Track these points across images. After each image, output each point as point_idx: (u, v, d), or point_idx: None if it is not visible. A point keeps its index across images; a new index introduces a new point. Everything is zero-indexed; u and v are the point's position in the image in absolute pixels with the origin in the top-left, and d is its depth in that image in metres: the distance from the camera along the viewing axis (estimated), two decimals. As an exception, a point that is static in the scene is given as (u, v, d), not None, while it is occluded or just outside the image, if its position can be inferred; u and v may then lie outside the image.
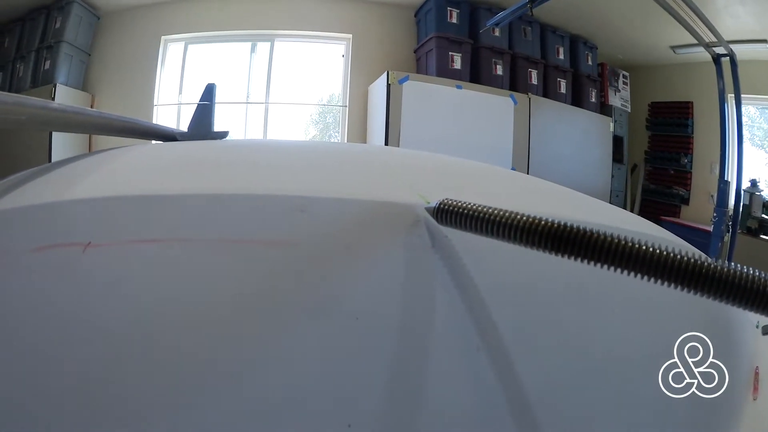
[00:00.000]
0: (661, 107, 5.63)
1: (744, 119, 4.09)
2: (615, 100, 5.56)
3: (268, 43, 5.44)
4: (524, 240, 0.36)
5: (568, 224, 0.35)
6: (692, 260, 0.31)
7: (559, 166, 4.91)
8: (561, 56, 5.31)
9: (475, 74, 4.85)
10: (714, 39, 3.08)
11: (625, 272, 0.33)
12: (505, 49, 4.94)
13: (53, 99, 4.47)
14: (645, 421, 0.44)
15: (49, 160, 4.37)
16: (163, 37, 5.35)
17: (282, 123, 5.56)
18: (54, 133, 4.66)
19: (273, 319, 0.36)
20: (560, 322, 0.44)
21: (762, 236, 4.35)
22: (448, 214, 0.41)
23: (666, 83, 5.50)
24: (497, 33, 4.84)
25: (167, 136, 1.09)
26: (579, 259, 0.34)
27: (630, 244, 0.33)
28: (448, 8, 4.82)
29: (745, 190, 4.21)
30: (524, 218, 0.36)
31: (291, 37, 5.45)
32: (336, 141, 5.44)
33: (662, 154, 5.66)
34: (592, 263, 0.34)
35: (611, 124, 5.46)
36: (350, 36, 5.36)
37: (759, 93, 4.50)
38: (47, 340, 0.36)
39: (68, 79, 4.99)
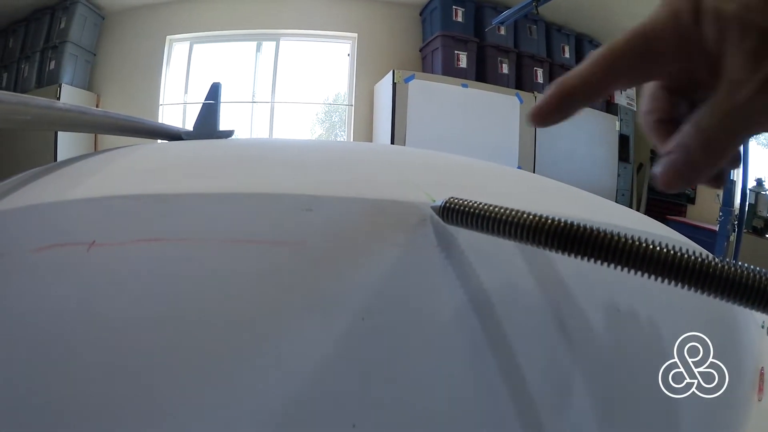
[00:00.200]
0: (668, 105, 5.62)
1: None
2: (621, 98, 5.55)
3: (274, 43, 5.45)
4: (531, 239, 0.36)
5: (576, 223, 0.35)
6: (700, 259, 0.31)
7: (565, 165, 4.91)
8: (567, 55, 5.32)
9: (481, 73, 4.86)
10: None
11: (633, 271, 0.33)
12: (511, 47, 4.95)
13: (58, 99, 4.49)
14: (646, 423, 0.44)
15: (55, 160, 4.40)
16: (168, 36, 5.37)
17: (288, 122, 5.58)
18: (59, 133, 4.68)
19: (278, 318, 0.36)
20: (566, 323, 0.43)
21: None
22: (454, 212, 0.41)
23: (672, 81, 5.48)
24: (503, 31, 4.85)
25: (172, 135, 1.09)
26: (587, 259, 0.34)
27: (638, 243, 0.33)
28: (454, 7, 4.83)
29: (750, 189, 4.20)
30: (531, 217, 0.36)
31: (296, 37, 5.47)
32: (342, 140, 5.45)
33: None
34: (600, 262, 0.34)
35: (617, 123, 5.45)
36: (356, 35, 5.37)
37: (765, 91, 4.48)
38: (51, 339, 0.36)
39: (73, 79, 5.01)
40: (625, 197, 5.56)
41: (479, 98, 4.62)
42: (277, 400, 0.33)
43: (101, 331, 0.36)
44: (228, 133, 1.12)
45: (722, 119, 0.35)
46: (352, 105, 5.38)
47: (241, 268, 0.39)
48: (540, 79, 5.06)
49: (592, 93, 0.40)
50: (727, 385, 0.45)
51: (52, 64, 4.97)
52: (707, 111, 0.36)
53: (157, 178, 0.52)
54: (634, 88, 5.66)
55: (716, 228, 3.49)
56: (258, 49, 5.51)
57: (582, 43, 5.43)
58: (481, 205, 0.39)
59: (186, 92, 5.42)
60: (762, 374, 0.60)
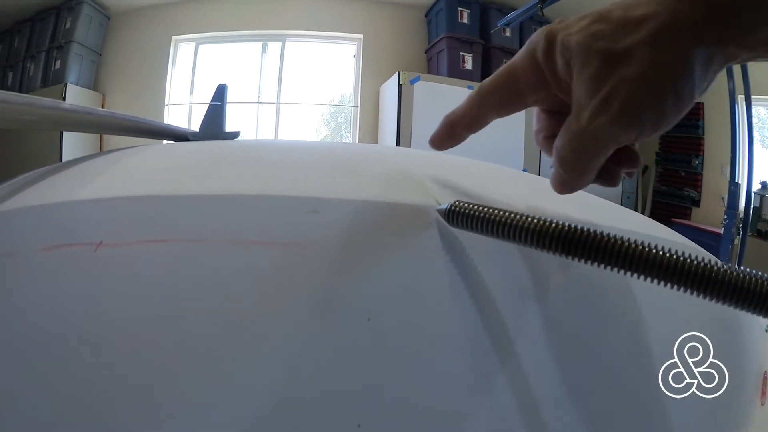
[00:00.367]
0: (672, 108, 5.61)
1: (755, 121, 4.06)
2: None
3: (279, 44, 5.45)
4: (535, 243, 0.36)
5: (580, 227, 0.35)
6: (703, 264, 0.31)
7: (570, 167, 4.89)
8: (571, 57, 5.30)
9: (487, 74, 4.76)
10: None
11: (636, 276, 0.33)
12: (516, 49, 4.85)
13: (64, 99, 4.50)
14: (647, 423, 0.44)
15: (60, 160, 4.41)
16: (173, 37, 5.38)
17: (293, 123, 5.58)
18: (65, 134, 4.69)
19: (284, 319, 0.37)
20: (571, 325, 0.44)
21: (772, 239, 4.33)
22: (460, 216, 0.41)
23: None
24: (508, 33, 4.85)
25: (179, 135, 1.09)
26: (591, 263, 0.34)
27: (641, 247, 0.33)
28: (459, 8, 4.83)
29: (755, 193, 4.18)
30: (535, 221, 0.36)
31: (302, 38, 5.47)
32: (347, 141, 5.45)
33: (673, 155, 5.63)
34: (604, 266, 0.34)
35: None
36: (361, 36, 5.38)
37: (770, 94, 4.48)
38: (58, 339, 0.36)
39: (79, 79, 5.02)
40: (630, 200, 5.56)
41: (485, 100, 4.61)
42: (282, 399, 0.34)
43: (108, 331, 0.36)
44: (234, 134, 1.12)
45: (570, 141, 0.39)
46: (357, 106, 5.39)
47: (247, 270, 0.39)
48: (545, 81, 5.04)
49: (472, 125, 0.48)
50: (728, 386, 0.45)
51: (58, 64, 4.98)
52: (561, 134, 0.40)
53: (164, 179, 0.52)
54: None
55: (721, 231, 3.48)
56: (263, 49, 5.52)
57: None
58: (486, 209, 0.39)
59: (191, 92, 5.42)
60: (765, 378, 0.60)
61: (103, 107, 4.98)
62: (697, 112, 5.21)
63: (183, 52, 5.48)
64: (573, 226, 0.35)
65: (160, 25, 5.31)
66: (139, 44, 5.30)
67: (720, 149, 4.92)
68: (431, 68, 5.14)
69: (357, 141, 5.28)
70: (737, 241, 3.35)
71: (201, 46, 5.50)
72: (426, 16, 5.34)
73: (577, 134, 0.38)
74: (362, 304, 0.38)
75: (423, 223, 0.44)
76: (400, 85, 4.46)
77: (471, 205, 0.40)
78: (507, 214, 0.38)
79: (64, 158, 4.43)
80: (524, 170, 4.29)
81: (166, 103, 5.34)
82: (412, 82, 4.48)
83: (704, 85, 0.36)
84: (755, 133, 4.01)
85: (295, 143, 0.81)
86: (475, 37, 4.86)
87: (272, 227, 0.43)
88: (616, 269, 0.34)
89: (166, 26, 5.33)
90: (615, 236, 0.34)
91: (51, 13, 5.11)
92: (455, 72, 4.73)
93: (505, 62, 0.46)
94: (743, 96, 3.48)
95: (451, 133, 0.50)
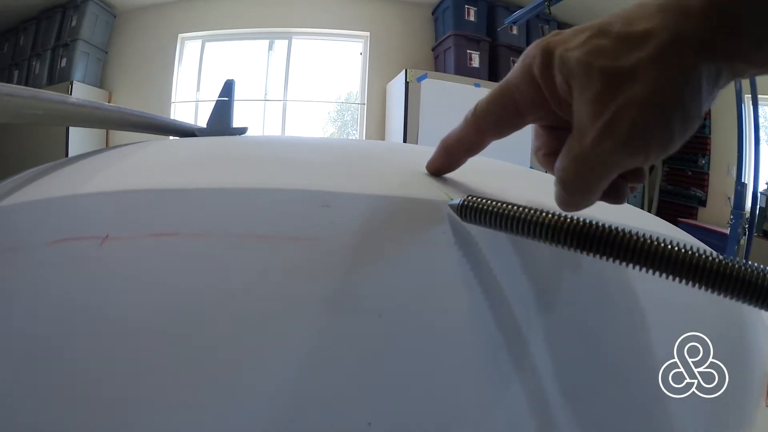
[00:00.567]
0: (679, 107, 5.61)
1: (761, 120, 4.06)
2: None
3: (286, 41, 5.47)
4: (549, 238, 0.36)
5: (595, 222, 0.35)
6: (716, 259, 0.31)
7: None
8: (578, 55, 5.31)
9: (494, 72, 4.87)
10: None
11: (649, 271, 0.33)
12: (523, 47, 4.92)
13: (71, 96, 4.51)
14: (647, 423, 0.44)
15: (66, 155, 4.43)
16: (180, 34, 5.40)
17: (300, 120, 5.60)
18: (71, 129, 4.71)
19: (295, 315, 0.36)
20: (578, 324, 0.43)
21: (778, 239, 4.33)
22: (472, 210, 0.40)
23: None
24: (515, 31, 4.86)
25: (186, 131, 1.09)
26: (605, 258, 0.34)
27: (655, 242, 0.32)
28: (466, 6, 4.84)
29: (762, 193, 4.18)
30: (550, 216, 0.36)
31: (309, 35, 5.48)
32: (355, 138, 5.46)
33: (679, 154, 5.63)
34: (618, 261, 0.34)
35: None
36: (368, 34, 5.39)
37: (776, 94, 4.47)
38: (64, 334, 0.35)
39: (85, 77, 5.04)
40: (636, 199, 5.55)
41: (491, 98, 4.63)
42: (293, 396, 0.33)
43: (114, 326, 0.36)
44: (242, 130, 1.12)
45: (572, 164, 0.37)
46: (364, 104, 5.40)
47: (257, 264, 0.39)
48: (552, 79, 5.05)
49: (470, 148, 0.48)
50: (730, 386, 0.45)
51: (64, 62, 5.00)
52: (562, 155, 0.38)
53: (172, 173, 0.52)
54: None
55: (727, 231, 3.48)
56: (270, 47, 5.53)
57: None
58: (499, 204, 0.39)
59: (198, 90, 5.43)
60: (770, 379, 0.59)
61: (109, 104, 4.99)
62: (704, 111, 5.20)
63: (189, 49, 5.50)
64: (588, 221, 0.35)
65: (167, 23, 5.34)
66: (145, 42, 5.32)
67: (726, 149, 4.93)
68: (438, 66, 5.15)
69: (364, 138, 5.29)
70: (743, 241, 3.35)
71: (207, 44, 5.52)
72: (433, 14, 5.35)
73: (580, 158, 0.36)
74: (373, 300, 0.37)
75: (435, 218, 0.44)
76: (407, 83, 4.47)
77: (485, 200, 0.40)
78: (521, 209, 0.38)
79: (70, 154, 4.44)
80: (531, 168, 4.29)
81: (173, 100, 5.36)
82: (419, 79, 4.49)
83: (710, 102, 0.35)
84: (762, 133, 4.01)
85: (304, 139, 0.80)
86: (482, 34, 4.88)
87: (283, 221, 0.42)
88: (630, 265, 0.33)
89: (173, 24, 5.35)
90: (630, 231, 0.33)
91: (57, 11, 5.14)
92: (462, 70, 4.74)
93: (513, 60, 0.45)
94: (750, 95, 3.48)
95: (448, 159, 0.51)
